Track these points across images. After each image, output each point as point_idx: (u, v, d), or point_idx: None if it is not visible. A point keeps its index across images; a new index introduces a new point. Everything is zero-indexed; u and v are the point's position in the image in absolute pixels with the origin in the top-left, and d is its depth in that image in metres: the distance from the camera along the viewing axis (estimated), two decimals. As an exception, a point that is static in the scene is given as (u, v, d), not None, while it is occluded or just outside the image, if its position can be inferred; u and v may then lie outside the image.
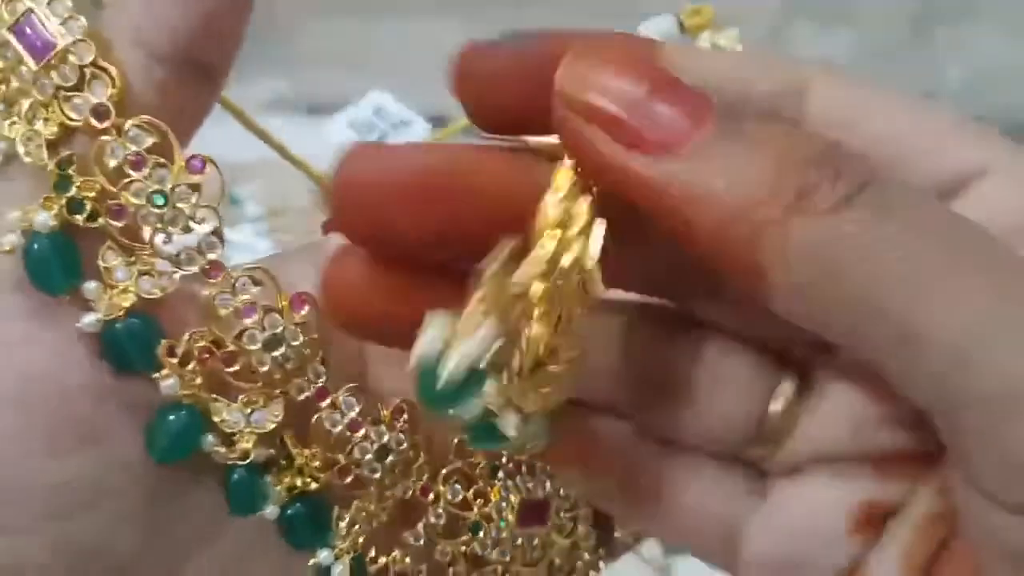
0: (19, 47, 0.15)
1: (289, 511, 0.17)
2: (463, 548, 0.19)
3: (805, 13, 0.63)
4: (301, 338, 0.16)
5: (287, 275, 0.18)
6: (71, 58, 0.15)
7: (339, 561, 0.18)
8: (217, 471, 0.17)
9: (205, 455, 0.17)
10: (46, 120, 0.15)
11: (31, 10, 0.15)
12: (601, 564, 0.21)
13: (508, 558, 0.19)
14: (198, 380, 0.16)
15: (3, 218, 0.16)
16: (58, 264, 0.15)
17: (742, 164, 0.13)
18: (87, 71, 0.15)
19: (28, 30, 0.15)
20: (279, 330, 0.16)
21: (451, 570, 0.19)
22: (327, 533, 0.18)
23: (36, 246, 0.15)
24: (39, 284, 0.15)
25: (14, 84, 0.16)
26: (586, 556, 0.20)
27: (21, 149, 0.16)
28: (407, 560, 0.19)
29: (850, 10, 0.63)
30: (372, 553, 0.19)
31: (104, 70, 0.15)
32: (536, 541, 0.19)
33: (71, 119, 0.15)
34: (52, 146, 0.15)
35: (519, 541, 0.19)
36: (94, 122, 0.15)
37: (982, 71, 0.68)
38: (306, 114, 0.65)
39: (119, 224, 0.16)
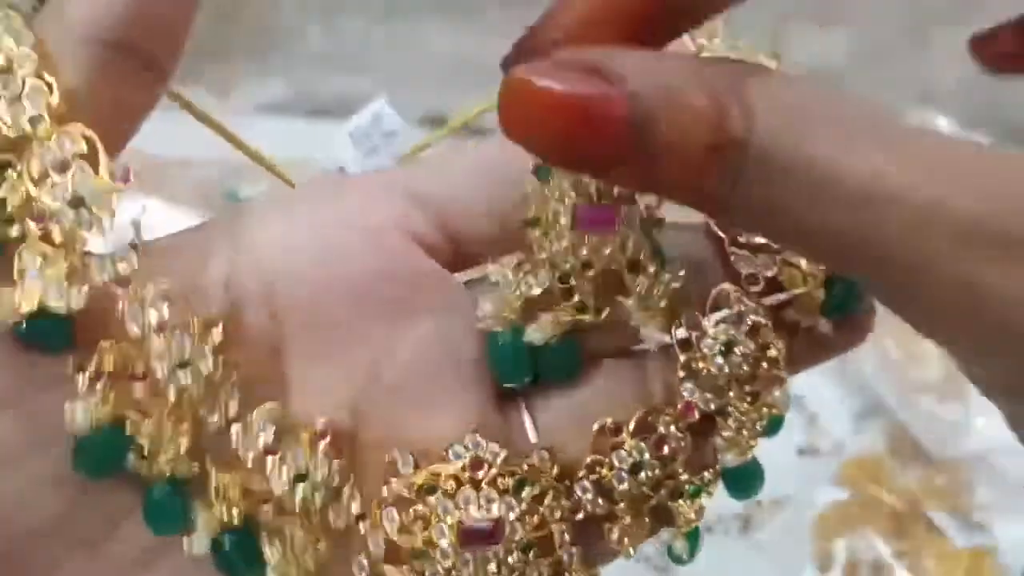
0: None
1: (219, 542, 0.17)
2: None
3: (801, 15, 0.63)
4: (210, 361, 0.16)
5: (198, 253, 0.17)
6: (16, 69, 0.15)
7: None
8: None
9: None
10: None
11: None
12: None
13: None
14: (111, 398, 0.16)
15: None
16: None
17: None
18: (27, 81, 0.15)
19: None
20: (188, 353, 0.16)
21: None
22: (258, 566, 0.17)
23: None
24: None
25: None
26: None
27: None
28: None
29: (846, 11, 0.64)
30: None
31: (45, 80, 0.16)
32: (495, 566, 0.18)
33: (6, 125, 0.15)
34: None
35: (472, 568, 0.17)
36: (28, 130, 0.15)
37: (978, 72, 0.68)
38: (306, 117, 0.65)
39: (37, 228, 0.16)
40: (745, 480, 0.19)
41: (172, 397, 0.16)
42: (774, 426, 0.19)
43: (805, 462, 0.57)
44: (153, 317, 0.16)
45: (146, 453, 0.16)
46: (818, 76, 0.66)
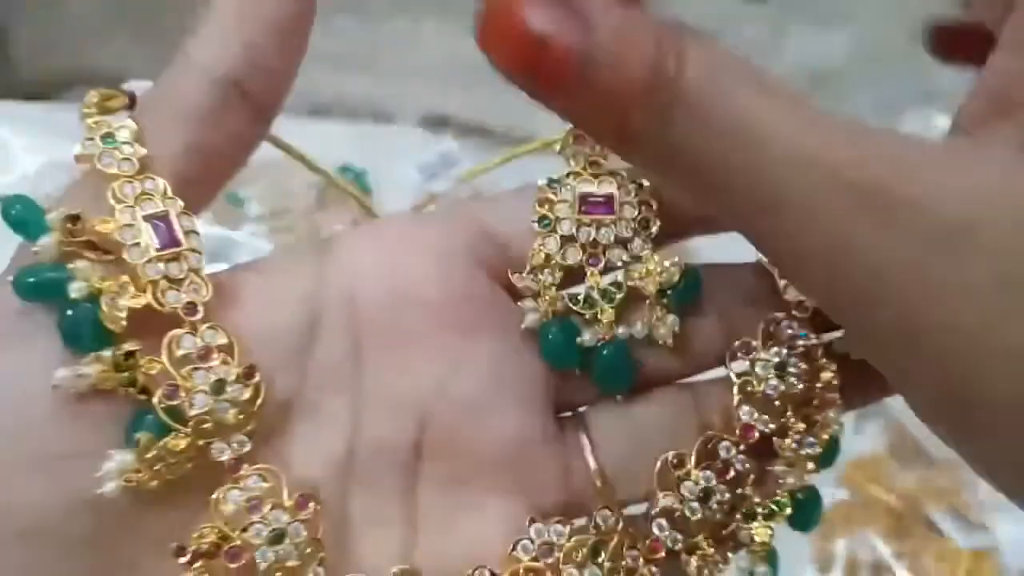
0: (151, 232, 0.18)
1: None
2: None
3: (801, 16, 0.63)
4: (303, 535, 0.17)
5: (290, 270, 0.19)
6: (183, 262, 0.18)
7: None
8: None
9: None
10: (134, 296, 0.17)
11: (167, 211, 0.18)
12: None
13: None
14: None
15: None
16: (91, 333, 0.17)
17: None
18: (191, 274, 0.17)
19: (160, 223, 0.18)
20: (283, 526, 0.17)
21: None
22: None
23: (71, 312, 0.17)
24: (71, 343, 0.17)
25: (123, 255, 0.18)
26: None
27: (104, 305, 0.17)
28: None
29: (846, 12, 0.64)
30: None
31: (201, 277, 0.18)
32: None
33: (161, 304, 0.17)
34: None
35: None
36: (181, 314, 0.17)
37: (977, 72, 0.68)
38: (306, 116, 0.65)
39: (170, 403, 0.17)
40: (810, 509, 0.20)
41: (263, 569, 0.17)
42: (831, 452, 0.20)
43: (805, 462, 0.57)
44: (251, 491, 0.17)
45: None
46: (818, 76, 0.66)
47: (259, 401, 0.17)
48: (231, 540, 0.17)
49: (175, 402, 0.17)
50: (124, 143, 0.18)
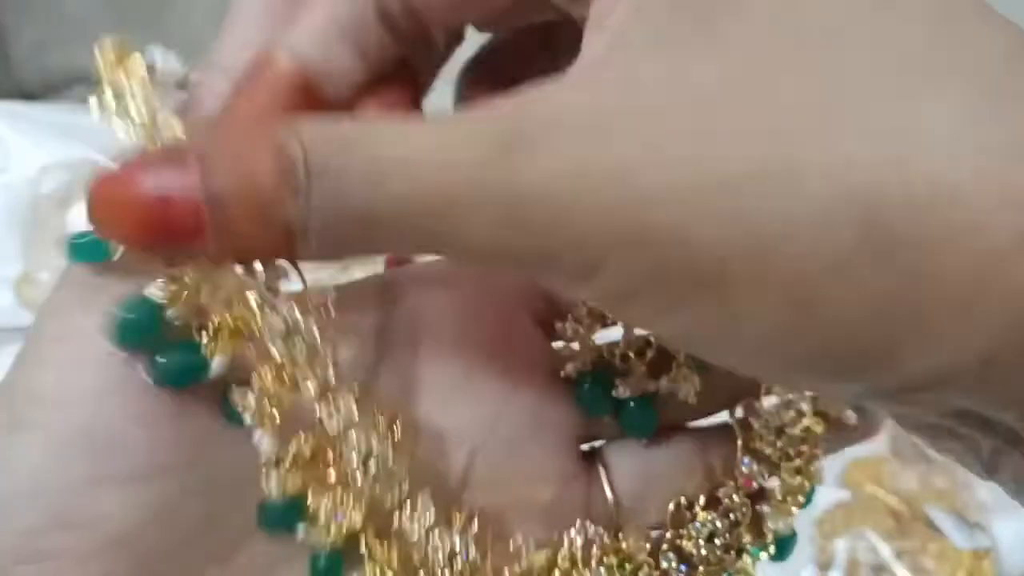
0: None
1: None
2: None
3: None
4: (391, 456, 0.18)
5: (356, 307, 0.20)
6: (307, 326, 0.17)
7: None
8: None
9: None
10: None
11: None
12: None
13: None
14: (299, 480, 0.18)
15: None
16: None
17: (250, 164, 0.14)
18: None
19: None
20: (375, 448, 0.18)
21: None
22: None
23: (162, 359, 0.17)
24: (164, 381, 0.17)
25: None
26: None
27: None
28: None
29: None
30: None
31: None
32: None
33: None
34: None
35: None
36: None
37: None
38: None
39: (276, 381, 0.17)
40: (789, 545, 0.23)
41: (359, 482, 0.18)
42: (809, 497, 0.22)
43: (805, 462, 0.57)
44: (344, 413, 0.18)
45: (321, 523, 0.18)
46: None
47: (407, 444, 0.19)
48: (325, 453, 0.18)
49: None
50: None
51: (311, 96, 0.18)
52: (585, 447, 0.22)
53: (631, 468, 0.22)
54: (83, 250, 0.17)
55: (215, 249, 0.15)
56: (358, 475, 0.18)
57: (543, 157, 0.14)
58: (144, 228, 0.14)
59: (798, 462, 0.22)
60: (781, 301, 0.14)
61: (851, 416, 0.22)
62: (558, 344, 0.22)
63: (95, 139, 0.55)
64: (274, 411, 0.17)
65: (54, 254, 0.53)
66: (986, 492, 0.55)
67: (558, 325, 0.21)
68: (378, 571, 0.19)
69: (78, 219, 0.54)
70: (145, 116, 0.17)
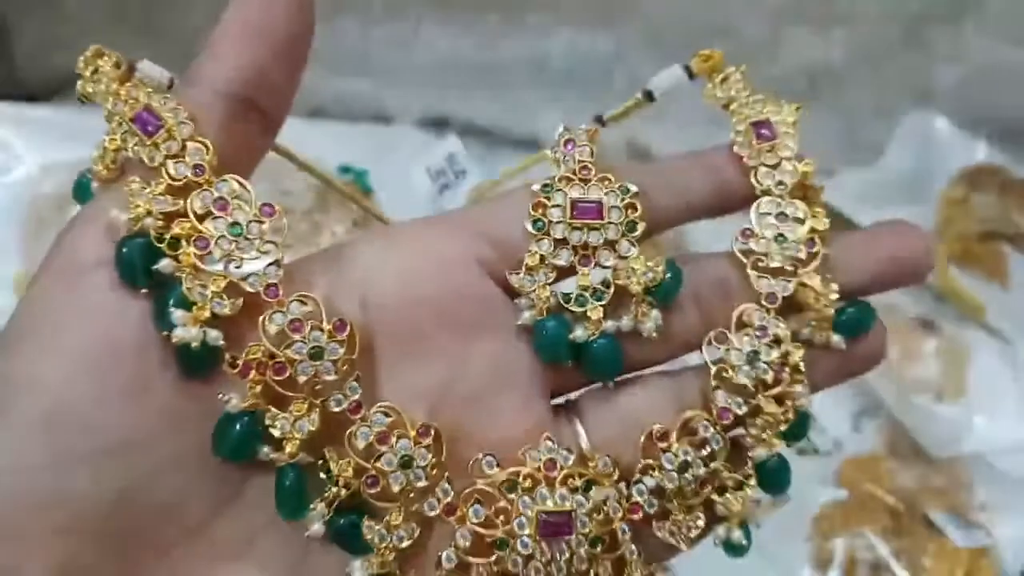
0: (139, 130, 0.20)
1: (331, 524, 0.20)
2: (495, 567, 0.20)
3: (799, 16, 0.64)
4: (340, 352, 0.19)
5: (305, 277, 0.20)
6: (174, 134, 0.19)
7: (367, 571, 0.20)
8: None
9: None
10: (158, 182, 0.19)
11: (148, 105, 0.20)
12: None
13: (543, 575, 0.20)
14: (257, 389, 0.19)
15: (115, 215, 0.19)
16: (142, 267, 0.19)
17: None
18: (187, 144, 0.19)
19: (145, 115, 0.20)
20: (321, 344, 0.19)
21: None
22: (361, 544, 0.20)
23: (126, 249, 0.19)
24: (125, 276, 0.19)
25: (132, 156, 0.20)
26: (638, 573, 0.21)
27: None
28: None
29: (844, 12, 0.64)
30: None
31: (201, 142, 0.20)
32: (568, 556, 0.20)
33: (173, 178, 0.19)
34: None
35: (549, 557, 0.20)
36: (191, 175, 0.19)
37: (975, 72, 0.68)
38: (306, 117, 0.65)
39: (199, 252, 0.19)
40: (776, 475, 0.22)
41: (303, 381, 0.19)
42: (801, 428, 0.22)
43: (804, 462, 0.57)
44: (294, 313, 0.19)
45: (282, 436, 0.19)
46: (815, 77, 0.67)
47: (355, 350, 0.19)
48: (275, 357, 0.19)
49: (283, 376, 0.19)
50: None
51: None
52: (559, 401, 0.22)
53: (604, 414, 0.22)
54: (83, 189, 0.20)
55: None
56: (302, 376, 0.19)
57: None
58: None
59: (778, 390, 0.21)
60: None
61: (839, 341, 0.21)
62: (525, 302, 0.21)
63: (97, 140, 0.55)
64: (223, 305, 0.19)
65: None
66: (985, 491, 0.55)
67: (511, 276, 0.21)
68: (337, 485, 0.20)
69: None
70: (113, 103, 0.20)
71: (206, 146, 0.20)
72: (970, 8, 0.65)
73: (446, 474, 0.20)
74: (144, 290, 0.19)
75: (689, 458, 0.21)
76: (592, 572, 0.20)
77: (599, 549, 0.20)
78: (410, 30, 0.64)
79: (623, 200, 0.21)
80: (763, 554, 0.52)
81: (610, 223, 0.21)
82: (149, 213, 0.19)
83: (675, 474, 0.21)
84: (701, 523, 0.21)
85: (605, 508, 0.20)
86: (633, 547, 0.21)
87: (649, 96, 0.24)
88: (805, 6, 0.63)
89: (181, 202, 0.19)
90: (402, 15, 0.63)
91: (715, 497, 0.21)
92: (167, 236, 0.19)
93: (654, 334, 0.21)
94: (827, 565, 0.51)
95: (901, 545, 0.51)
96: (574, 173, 0.22)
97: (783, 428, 0.21)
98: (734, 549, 0.22)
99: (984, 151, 0.69)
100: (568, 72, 0.63)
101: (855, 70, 0.67)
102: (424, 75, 0.65)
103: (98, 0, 0.58)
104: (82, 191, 0.21)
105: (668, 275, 0.21)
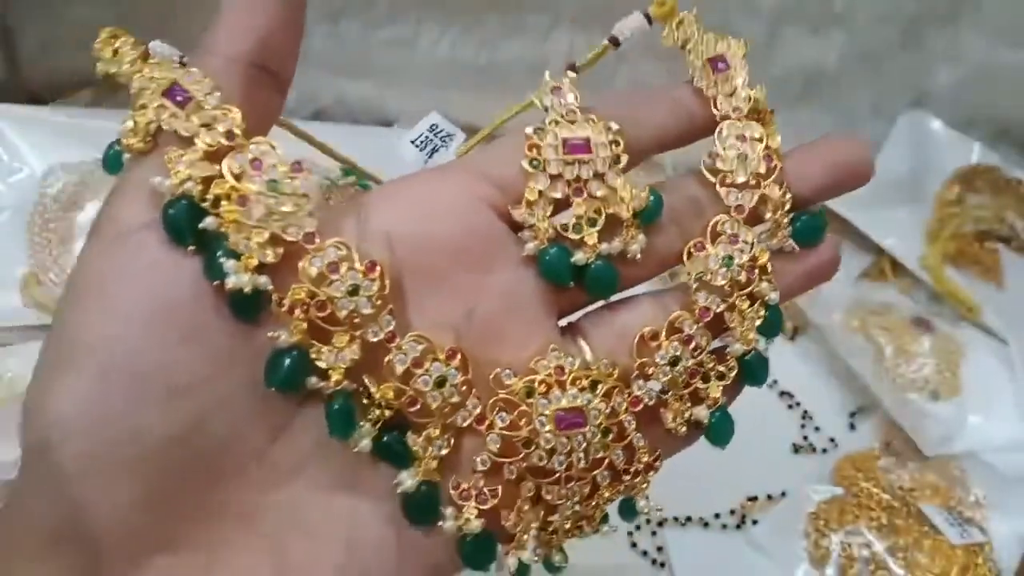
0: (171, 104, 0.21)
1: (378, 442, 0.22)
2: (524, 464, 0.23)
3: (795, 17, 0.64)
4: (374, 289, 0.21)
5: (335, 226, 0.22)
6: (204, 104, 0.21)
7: (414, 479, 0.22)
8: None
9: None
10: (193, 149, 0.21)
11: (175, 80, 0.21)
12: (658, 465, 0.24)
13: (565, 465, 0.23)
14: (303, 326, 0.21)
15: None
16: (188, 227, 0.20)
17: None
18: (217, 112, 0.21)
19: (175, 89, 0.21)
20: (357, 282, 0.21)
21: (523, 486, 0.23)
22: (406, 458, 0.22)
23: (172, 211, 0.20)
24: (173, 236, 0.20)
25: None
26: (645, 458, 0.24)
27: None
28: (481, 483, 0.23)
29: (840, 14, 0.64)
30: (451, 482, 0.22)
31: (228, 110, 0.21)
32: (585, 446, 0.23)
33: (208, 144, 0.21)
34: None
35: (569, 447, 0.23)
36: (224, 141, 0.21)
37: (972, 74, 0.68)
38: (308, 120, 0.66)
39: (241, 208, 0.21)
40: (754, 367, 0.25)
41: (343, 316, 0.21)
42: (774, 324, 0.25)
43: (800, 459, 0.58)
44: (330, 257, 0.21)
45: (328, 367, 0.21)
46: (812, 78, 0.67)
47: (387, 287, 0.21)
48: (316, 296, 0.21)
49: (324, 313, 0.21)
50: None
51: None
52: (563, 322, 0.25)
53: (603, 329, 0.25)
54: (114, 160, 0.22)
55: None
56: (342, 311, 0.21)
57: None
58: None
59: (750, 289, 0.24)
60: None
61: (790, 245, 0.25)
62: (528, 234, 0.23)
63: (102, 141, 0.55)
64: (268, 253, 0.20)
65: (59, 255, 0.54)
66: (980, 489, 0.56)
67: (514, 211, 0.23)
68: (378, 411, 0.22)
69: (85, 220, 0.55)
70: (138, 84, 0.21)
71: (234, 113, 0.21)
72: (966, 10, 0.65)
73: (473, 390, 0.23)
74: (190, 248, 0.20)
75: (678, 353, 0.24)
76: (606, 459, 0.23)
77: (610, 438, 0.23)
78: (411, 34, 0.64)
79: (608, 137, 0.24)
80: (760, 551, 0.52)
81: (597, 156, 0.24)
82: (189, 178, 0.20)
83: (667, 367, 0.24)
84: (694, 408, 0.24)
85: (611, 402, 0.23)
86: (639, 435, 0.24)
87: (615, 42, 0.26)
88: (802, 7, 0.63)
89: (217, 167, 0.21)
90: (403, 18, 0.63)
91: (700, 385, 0.24)
92: (209, 197, 0.21)
93: (639, 256, 0.24)
94: (823, 562, 0.51)
95: (897, 542, 0.52)
96: (562, 116, 0.24)
97: (758, 323, 0.24)
98: (716, 433, 0.25)
99: (979, 152, 0.69)
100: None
101: (852, 71, 0.67)
102: (426, 77, 0.65)
103: (102, 3, 0.59)
104: (112, 162, 0.22)
105: (651, 199, 0.24)
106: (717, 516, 0.53)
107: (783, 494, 0.55)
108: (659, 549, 0.51)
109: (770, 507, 0.54)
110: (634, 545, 0.51)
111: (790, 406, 0.60)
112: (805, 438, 0.59)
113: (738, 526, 0.53)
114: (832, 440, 0.58)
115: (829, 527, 0.52)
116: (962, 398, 0.59)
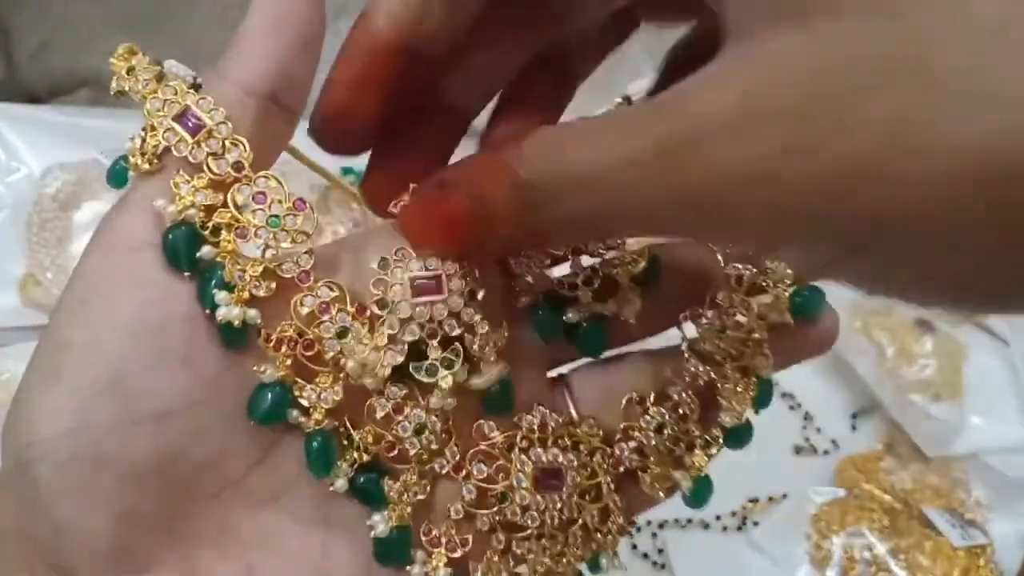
0: (181, 130, 0.21)
1: (354, 483, 0.22)
2: (497, 517, 0.23)
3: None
4: (363, 332, 0.21)
5: (329, 263, 0.22)
6: (215, 133, 0.21)
7: (387, 523, 0.22)
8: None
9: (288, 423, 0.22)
10: (199, 176, 0.21)
11: (188, 106, 0.21)
12: (631, 529, 0.24)
13: (539, 522, 0.23)
14: (287, 363, 0.21)
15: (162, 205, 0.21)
16: (186, 254, 0.21)
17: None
18: (226, 142, 0.21)
19: (187, 115, 0.21)
20: (347, 324, 0.21)
21: (493, 537, 0.23)
22: (382, 501, 0.22)
23: (172, 236, 0.20)
24: (171, 260, 0.20)
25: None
26: (620, 520, 0.24)
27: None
28: (452, 532, 0.23)
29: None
30: (423, 527, 0.23)
31: (238, 141, 0.21)
32: (560, 505, 0.23)
33: (215, 173, 0.21)
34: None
35: (544, 506, 0.23)
36: (232, 172, 0.21)
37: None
38: (307, 119, 0.65)
39: (240, 240, 0.21)
40: (741, 435, 0.25)
41: (328, 357, 0.21)
42: (764, 397, 0.24)
43: (801, 461, 0.58)
44: (323, 296, 0.21)
45: (310, 406, 0.21)
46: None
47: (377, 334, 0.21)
48: (305, 335, 0.21)
49: (311, 352, 0.21)
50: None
51: (410, 58, 0.22)
52: (552, 374, 0.25)
53: (591, 384, 0.25)
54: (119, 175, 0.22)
55: (481, 246, 0.20)
56: (329, 352, 0.21)
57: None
58: (444, 235, 0.20)
59: (743, 361, 0.24)
60: None
61: (789, 318, 0.24)
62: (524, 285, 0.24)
63: (99, 141, 0.55)
64: (262, 288, 0.21)
65: (57, 255, 0.53)
66: (981, 491, 0.56)
67: (512, 262, 0.23)
68: (356, 453, 0.22)
69: (83, 220, 0.55)
70: (153, 106, 0.21)
71: (244, 145, 0.21)
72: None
73: (454, 438, 0.22)
74: (187, 273, 0.21)
75: (665, 419, 0.24)
76: (580, 520, 0.23)
77: (587, 500, 0.23)
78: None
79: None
80: (761, 552, 0.52)
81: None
82: (192, 205, 0.21)
83: (652, 433, 0.24)
84: (675, 472, 0.24)
85: (591, 464, 0.23)
86: (616, 498, 0.23)
87: (628, 101, 0.26)
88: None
89: (221, 196, 0.21)
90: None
91: (683, 452, 0.24)
92: (209, 224, 0.21)
93: (633, 320, 0.24)
94: (825, 563, 0.51)
95: (898, 544, 0.52)
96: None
97: (749, 396, 0.24)
98: (696, 498, 0.24)
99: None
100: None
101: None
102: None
103: (100, 3, 0.59)
104: (117, 177, 0.22)
105: (650, 266, 0.24)
106: (718, 518, 0.53)
107: (784, 496, 0.55)
108: (659, 551, 0.51)
109: (771, 509, 0.54)
110: (634, 547, 0.51)
111: (792, 407, 0.60)
112: (807, 439, 0.59)
113: (739, 528, 0.53)
114: (834, 441, 0.58)
115: (830, 529, 0.52)
116: (964, 399, 0.59)
